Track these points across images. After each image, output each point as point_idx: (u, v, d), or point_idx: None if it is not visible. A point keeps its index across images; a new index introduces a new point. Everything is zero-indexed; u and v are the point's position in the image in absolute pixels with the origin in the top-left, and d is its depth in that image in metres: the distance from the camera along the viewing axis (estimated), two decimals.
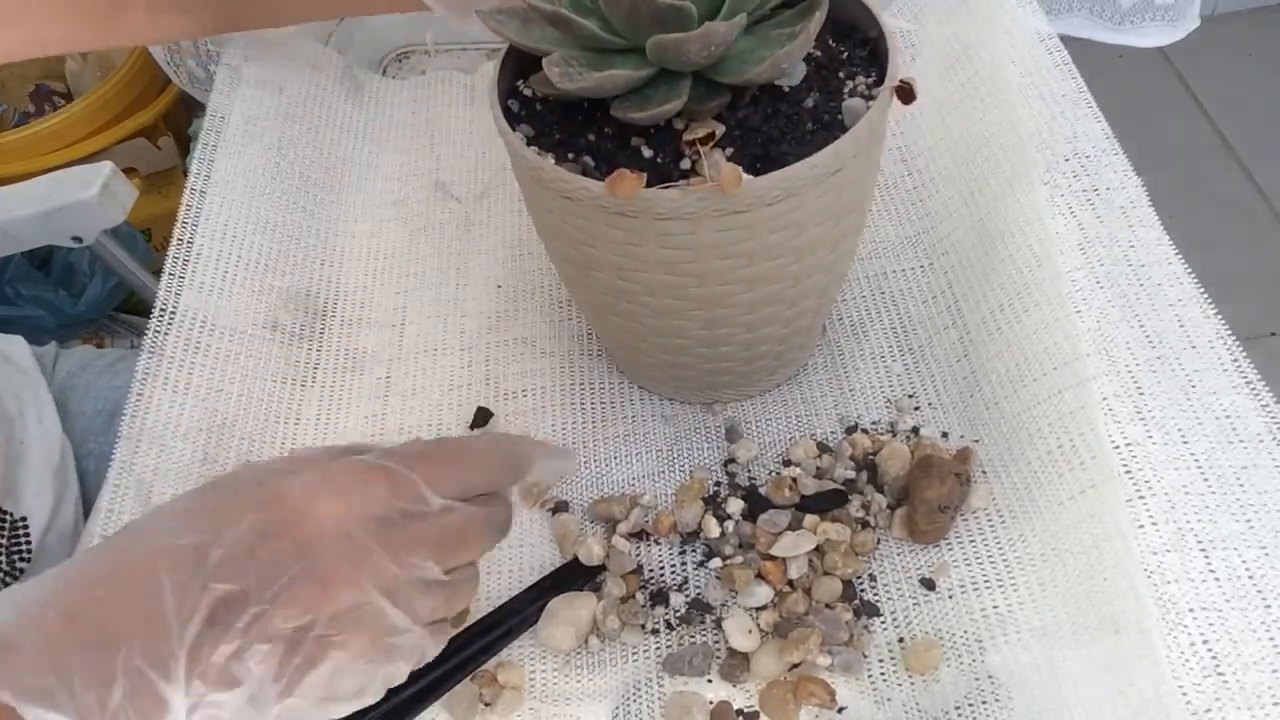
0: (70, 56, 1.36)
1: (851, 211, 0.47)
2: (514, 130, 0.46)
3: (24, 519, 0.60)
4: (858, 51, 0.48)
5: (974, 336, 0.56)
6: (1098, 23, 1.04)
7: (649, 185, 0.42)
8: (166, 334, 0.58)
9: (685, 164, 0.44)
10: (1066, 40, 0.62)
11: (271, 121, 0.70)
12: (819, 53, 0.48)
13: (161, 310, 0.59)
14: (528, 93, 0.49)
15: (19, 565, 0.58)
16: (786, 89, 0.46)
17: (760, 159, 0.44)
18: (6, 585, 0.54)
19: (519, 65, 0.49)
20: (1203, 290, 0.52)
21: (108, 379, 0.76)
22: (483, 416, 0.59)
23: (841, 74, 0.47)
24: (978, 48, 0.63)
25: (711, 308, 0.48)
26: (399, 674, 0.36)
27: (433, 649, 0.37)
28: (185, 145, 1.37)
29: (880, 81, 0.46)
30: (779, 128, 0.45)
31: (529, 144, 0.46)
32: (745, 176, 0.41)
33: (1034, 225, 0.54)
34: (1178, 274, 0.53)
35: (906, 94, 0.44)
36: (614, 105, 0.44)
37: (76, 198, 0.80)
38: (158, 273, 0.62)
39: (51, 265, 1.22)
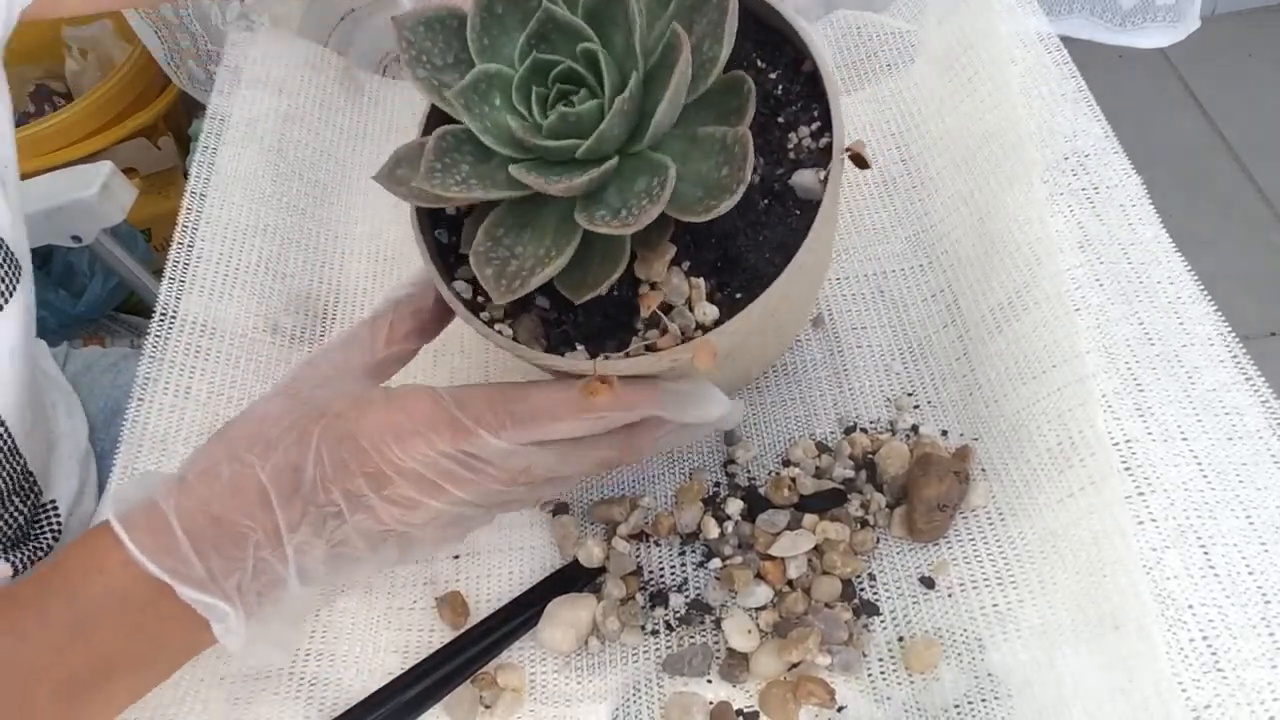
0: (70, 56, 1.36)
1: (801, 304, 0.45)
2: (432, 232, 0.44)
3: (53, 500, 0.63)
4: (793, 85, 0.45)
5: (973, 335, 0.56)
6: (1098, 23, 1.04)
7: (615, 326, 0.41)
8: (167, 338, 0.58)
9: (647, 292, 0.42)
10: (1067, 41, 0.62)
11: (271, 123, 0.70)
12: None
13: (162, 314, 0.59)
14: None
15: (50, 544, 0.61)
16: None
17: (719, 260, 0.42)
18: (35, 562, 0.57)
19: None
20: (1202, 288, 0.52)
21: (110, 377, 0.77)
22: None
23: (781, 118, 0.44)
24: (978, 47, 0.63)
25: None
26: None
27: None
28: (185, 145, 1.38)
29: (825, 126, 0.43)
30: (730, 219, 0.42)
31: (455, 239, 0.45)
32: (715, 335, 0.39)
33: (1034, 224, 0.54)
34: (1177, 271, 0.53)
35: (860, 161, 0.41)
36: (559, 281, 0.41)
37: (76, 197, 0.80)
38: (158, 273, 0.62)
39: (51, 265, 1.22)
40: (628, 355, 0.40)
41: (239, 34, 0.73)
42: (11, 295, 0.52)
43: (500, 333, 0.42)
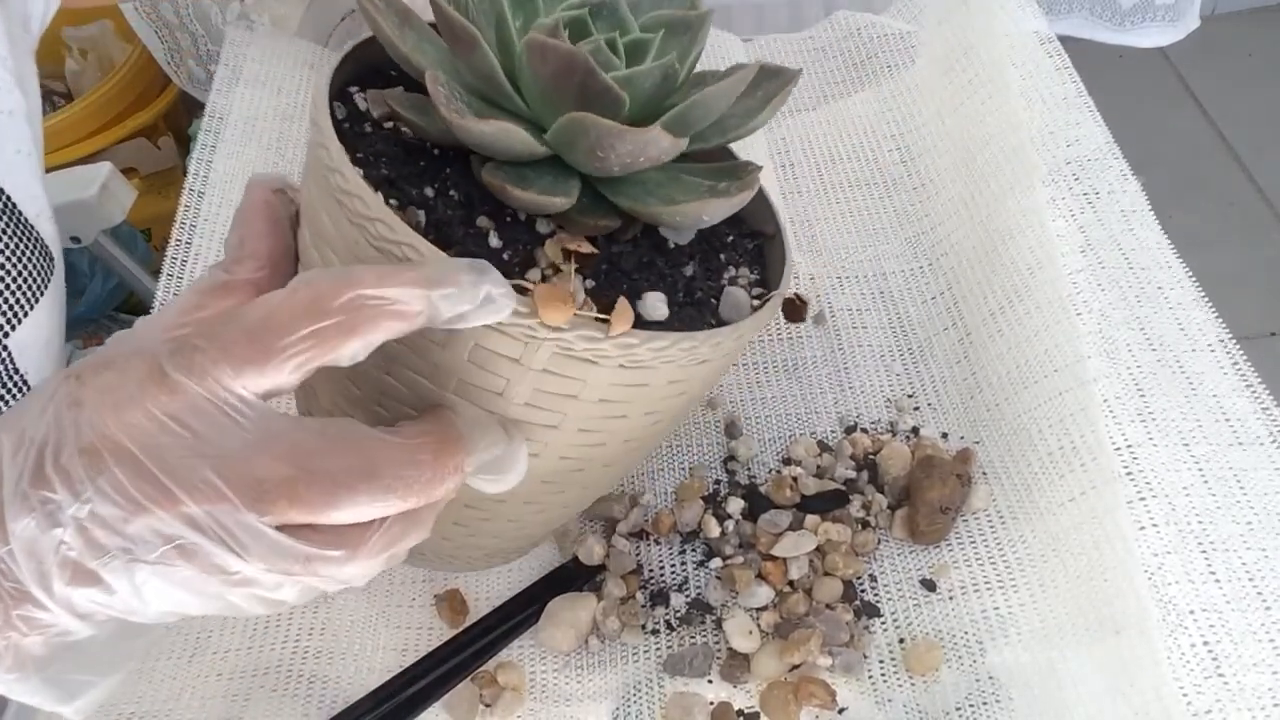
0: (70, 56, 1.36)
1: (671, 413, 0.41)
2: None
3: None
4: (744, 242, 0.44)
5: (974, 338, 0.56)
6: (1098, 23, 1.04)
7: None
8: None
9: (535, 274, 0.35)
10: (1066, 40, 0.62)
11: (270, 122, 0.70)
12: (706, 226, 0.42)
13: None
14: (362, 105, 0.38)
15: None
16: (671, 245, 0.40)
17: (614, 306, 0.37)
18: None
19: (361, 69, 0.40)
20: (1203, 291, 0.52)
21: None
22: None
23: (723, 256, 0.42)
24: (978, 49, 0.63)
25: None
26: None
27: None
28: (185, 145, 1.37)
29: (762, 281, 0.42)
30: (649, 281, 0.38)
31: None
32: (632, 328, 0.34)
33: (1035, 227, 0.54)
34: (1178, 277, 0.53)
35: (796, 312, 0.40)
36: (489, 168, 0.35)
37: (75, 198, 0.80)
38: (158, 273, 0.62)
39: None
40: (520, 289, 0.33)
41: (238, 33, 0.73)
42: (46, 287, 0.52)
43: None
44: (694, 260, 0.40)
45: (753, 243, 0.44)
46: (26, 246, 0.50)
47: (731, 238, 0.43)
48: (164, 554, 0.29)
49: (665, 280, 0.38)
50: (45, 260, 0.51)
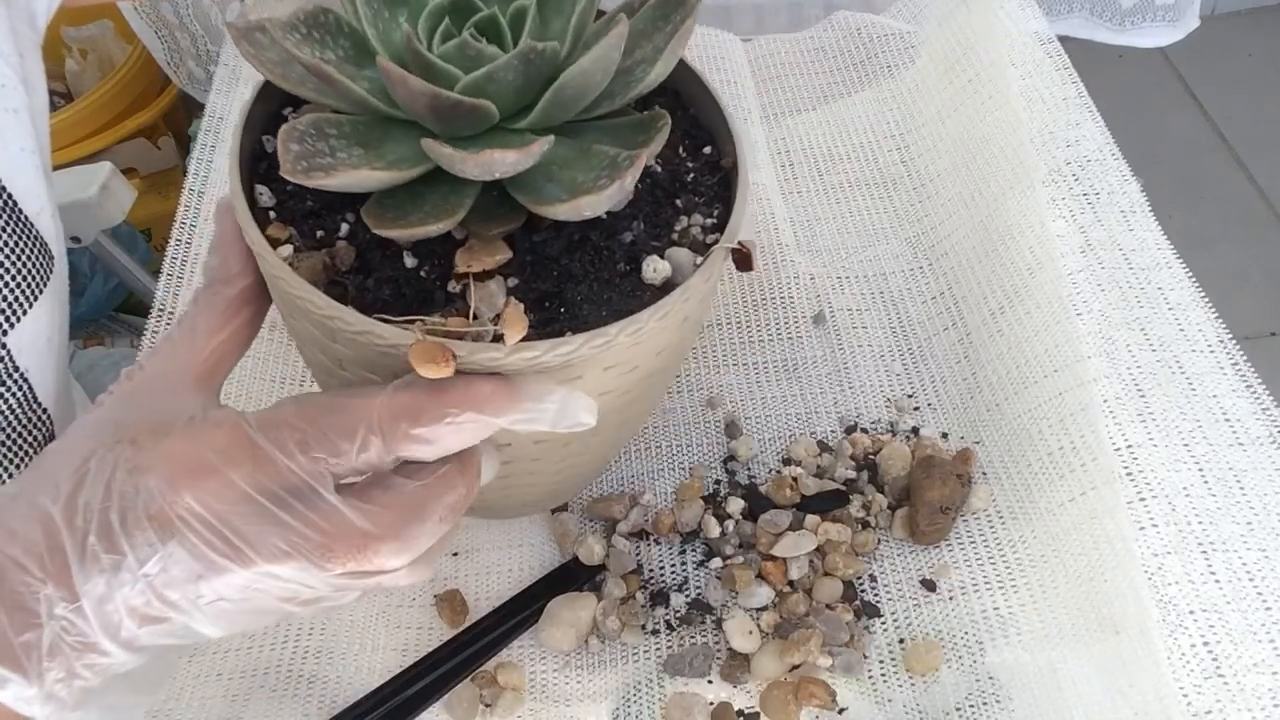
0: (70, 56, 1.36)
1: (645, 394, 0.39)
2: (254, 187, 0.37)
3: None
4: (705, 178, 0.41)
5: (974, 338, 0.56)
6: (1098, 23, 1.04)
7: (406, 305, 0.35)
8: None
9: (454, 285, 0.35)
10: (1066, 40, 0.62)
11: None
12: (659, 166, 0.40)
13: (160, 311, 0.59)
14: (269, 147, 0.39)
15: None
16: (604, 214, 0.38)
17: (550, 297, 0.36)
18: None
19: (268, 109, 0.40)
20: (1202, 291, 0.52)
21: (111, 377, 0.77)
22: None
23: (679, 201, 0.40)
24: (978, 49, 0.63)
25: None
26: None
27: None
28: (185, 145, 1.37)
29: (722, 226, 0.39)
30: (582, 264, 0.37)
31: (271, 209, 0.38)
32: (525, 339, 0.33)
33: (1035, 228, 0.54)
34: (1178, 278, 0.53)
35: (744, 261, 0.37)
36: (365, 208, 0.35)
37: (75, 198, 0.80)
38: (158, 273, 0.62)
39: None
40: (428, 327, 0.33)
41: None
42: (45, 285, 0.52)
43: (280, 255, 0.35)
44: (637, 221, 0.38)
45: (716, 176, 0.41)
46: (24, 244, 0.50)
47: (692, 173, 0.41)
48: (240, 598, 0.32)
49: (598, 254, 0.37)
50: (44, 258, 0.51)
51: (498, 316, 0.34)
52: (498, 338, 0.33)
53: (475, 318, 0.33)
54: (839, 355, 0.59)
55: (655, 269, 0.37)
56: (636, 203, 0.39)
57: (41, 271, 0.51)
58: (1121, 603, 0.42)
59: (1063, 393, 0.49)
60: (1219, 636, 0.41)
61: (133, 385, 0.35)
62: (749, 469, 0.54)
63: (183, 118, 1.38)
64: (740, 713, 0.46)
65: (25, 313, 0.50)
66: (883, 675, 0.47)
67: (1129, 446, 0.46)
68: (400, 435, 0.32)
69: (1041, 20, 0.62)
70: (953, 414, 0.55)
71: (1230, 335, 0.51)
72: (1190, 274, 0.53)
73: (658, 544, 0.52)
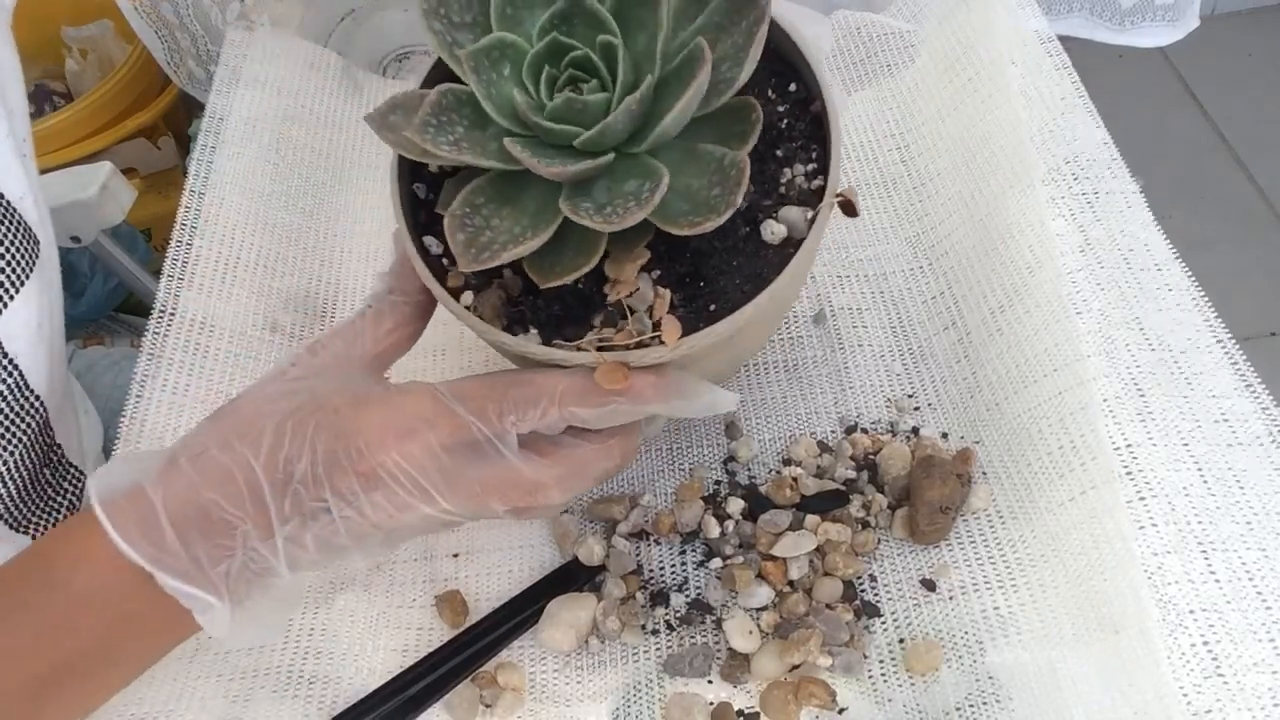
0: (70, 56, 1.36)
1: (757, 337, 0.44)
2: (420, 230, 0.44)
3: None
4: (798, 123, 0.44)
5: (974, 337, 0.56)
6: (1098, 23, 1.04)
7: (573, 314, 0.41)
8: (165, 336, 0.59)
9: (609, 290, 0.41)
10: (1066, 40, 0.62)
11: (270, 122, 0.70)
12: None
13: (160, 312, 0.59)
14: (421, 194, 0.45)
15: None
16: None
17: (689, 276, 0.41)
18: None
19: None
20: (1202, 291, 0.52)
21: (111, 377, 0.77)
22: None
23: (780, 152, 0.43)
24: (978, 48, 0.63)
25: None
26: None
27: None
28: (185, 145, 1.37)
29: (821, 169, 0.42)
30: (708, 239, 0.41)
31: (441, 256, 0.44)
32: (683, 335, 0.39)
33: (1034, 227, 0.54)
34: (1177, 277, 0.53)
35: (849, 208, 0.41)
36: (527, 264, 0.41)
37: (75, 198, 0.80)
38: (158, 273, 0.62)
39: None
40: (600, 346, 0.39)
41: (238, 34, 0.73)
42: (31, 270, 0.51)
43: (464, 305, 0.41)
44: (751, 184, 0.41)
45: (804, 121, 0.44)
46: (7, 228, 0.49)
47: (786, 121, 0.44)
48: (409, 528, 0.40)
49: (723, 227, 0.39)
50: (28, 243, 0.51)
51: (651, 309, 0.40)
52: (656, 325, 0.39)
53: (631, 312, 0.40)
54: (839, 355, 0.59)
55: (773, 231, 0.41)
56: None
57: (26, 257, 0.51)
58: (1121, 602, 0.42)
59: (1062, 392, 0.49)
60: (1219, 636, 0.41)
61: (319, 361, 0.42)
62: (749, 469, 0.54)
63: (183, 118, 1.38)
64: (740, 713, 0.46)
65: (12, 299, 0.50)
66: (883, 675, 0.47)
67: (1128, 446, 0.46)
68: (572, 411, 0.39)
69: (1041, 19, 0.62)
70: (953, 414, 0.55)
71: (1230, 335, 0.51)
72: (1190, 274, 0.53)
73: (658, 544, 0.52)
